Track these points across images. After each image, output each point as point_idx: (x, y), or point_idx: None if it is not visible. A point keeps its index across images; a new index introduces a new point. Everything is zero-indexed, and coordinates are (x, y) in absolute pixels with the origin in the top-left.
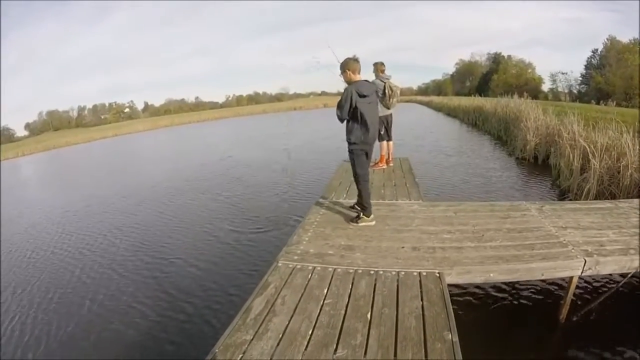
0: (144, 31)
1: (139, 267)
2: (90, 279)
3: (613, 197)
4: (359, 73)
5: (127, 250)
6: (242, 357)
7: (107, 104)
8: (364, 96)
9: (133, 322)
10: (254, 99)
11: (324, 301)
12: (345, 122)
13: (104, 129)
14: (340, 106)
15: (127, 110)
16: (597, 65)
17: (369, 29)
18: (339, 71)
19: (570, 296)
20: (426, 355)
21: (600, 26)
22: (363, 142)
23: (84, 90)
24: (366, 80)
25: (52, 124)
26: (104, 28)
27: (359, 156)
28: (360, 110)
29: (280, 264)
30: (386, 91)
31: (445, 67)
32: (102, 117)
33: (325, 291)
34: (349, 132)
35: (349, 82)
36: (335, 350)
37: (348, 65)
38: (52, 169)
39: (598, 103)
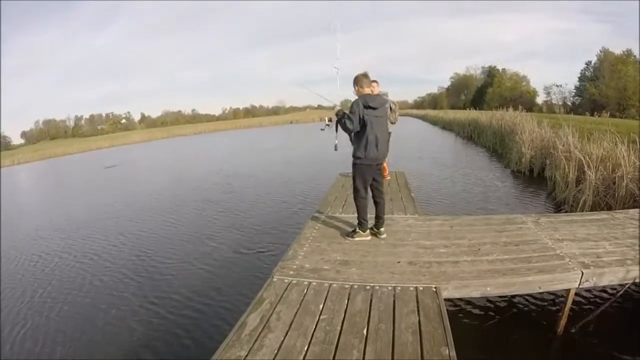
0: (142, 41)
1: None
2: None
3: (609, 208)
4: (368, 87)
5: (128, 260)
6: None
7: (104, 115)
8: (372, 108)
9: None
10: (251, 112)
11: (319, 317)
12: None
13: (100, 139)
14: (348, 117)
15: (123, 121)
16: (590, 77)
17: (363, 41)
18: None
19: (568, 308)
20: None
21: (593, 38)
22: (368, 158)
23: (81, 99)
24: (377, 95)
25: (49, 133)
26: (102, 37)
27: (361, 172)
28: (367, 123)
29: (275, 279)
30: (392, 106)
31: (440, 79)
32: (99, 127)
33: (321, 306)
34: (355, 146)
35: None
36: None
37: (357, 81)
38: (51, 177)
39: (592, 114)
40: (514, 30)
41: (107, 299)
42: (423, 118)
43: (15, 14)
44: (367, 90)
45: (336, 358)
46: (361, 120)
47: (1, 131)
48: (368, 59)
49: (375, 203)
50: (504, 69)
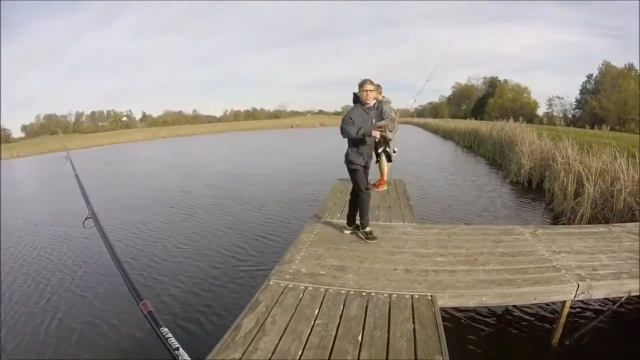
0: (144, 39)
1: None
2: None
3: (606, 221)
4: (365, 96)
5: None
6: None
7: (105, 112)
8: (367, 116)
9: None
10: (252, 114)
11: (314, 321)
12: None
13: (100, 136)
14: (346, 122)
15: (124, 119)
16: (591, 90)
17: (365, 47)
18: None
19: (563, 320)
20: None
21: (597, 50)
22: (364, 162)
23: (83, 95)
24: (378, 100)
25: (49, 128)
26: (106, 33)
27: (359, 174)
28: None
29: (271, 283)
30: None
31: (441, 88)
32: (100, 124)
33: (317, 311)
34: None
35: (363, 102)
36: None
37: (361, 86)
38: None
39: (592, 127)
40: (516, 41)
41: (106, 297)
42: (424, 127)
43: (21, 8)
44: (368, 97)
45: None
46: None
47: (1, 124)
48: (371, 65)
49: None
50: (505, 80)
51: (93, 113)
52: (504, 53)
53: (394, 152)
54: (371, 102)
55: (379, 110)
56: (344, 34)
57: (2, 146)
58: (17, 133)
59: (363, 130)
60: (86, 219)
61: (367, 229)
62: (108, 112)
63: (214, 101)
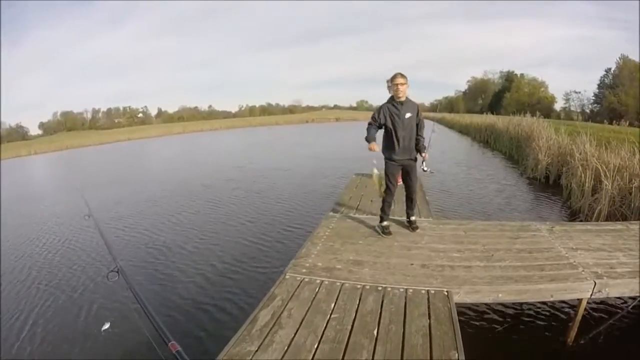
0: (159, 37)
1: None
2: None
3: (624, 218)
4: (395, 90)
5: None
6: None
7: (121, 108)
8: (397, 111)
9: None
10: (267, 110)
11: (330, 315)
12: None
13: (117, 132)
14: (370, 121)
15: (140, 115)
16: (610, 85)
17: (377, 44)
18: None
19: (579, 318)
20: None
21: (612, 44)
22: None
23: (98, 93)
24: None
25: (66, 125)
26: (120, 32)
27: (388, 168)
28: (389, 124)
29: (288, 277)
30: None
31: (457, 84)
32: (116, 120)
33: (333, 305)
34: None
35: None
36: None
37: (392, 80)
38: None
39: (611, 123)
40: (532, 36)
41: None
42: (439, 121)
43: (35, 8)
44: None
45: (346, 357)
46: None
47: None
48: (384, 62)
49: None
50: (522, 74)
51: (109, 110)
52: (517, 49)
53: (424, 170)
54: (403, 97)
55: (414, 106)
56: (350, 32)
57: (19, 143)
58: (34, 130)
59: (369, 137)
60: (110, 272)
61: (385, 223)
62: (124, 108)
63: (228, 98)
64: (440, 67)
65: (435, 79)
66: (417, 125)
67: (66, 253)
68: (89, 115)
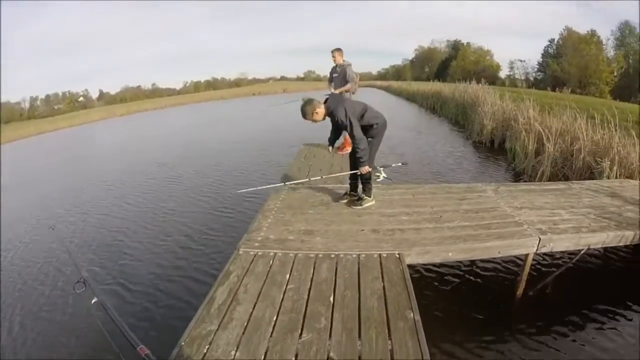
0: (95, 14)
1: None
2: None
3: (566, 178)
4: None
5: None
6: (208, 347)
7: (60, 93)
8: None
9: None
10: (212, 84)
11: (286, 287)
12: None
13: (58, 119)
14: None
15: (81, 99)
16: (553, 54)
17: (326, 11)
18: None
19: (526, 273)
20: (389, 335)
21: (563, 17)
22: None
23: (35, 79)
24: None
25: (3, 117)
26: (51, 11)
27: None
28: None
29: (241, 252)
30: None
31: (404, 52)
32: (56, 107)
33: (288, 277)
34: None
35: None
36: (301, 334)
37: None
38: None
39: (554, 90)
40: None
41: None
42: (387, 89)
43: None
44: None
45: (304, 326)
46: None
47: None
48: (330, 30)
49: None
50: (468, 43)
51: (47, 96)
52: (464, 17)
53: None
54: None
55: (343, 72)
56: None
57: None
58: None
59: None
60: (76, 283)
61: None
62: (63, 93)
63: (172, 75)
64: (388, 35)
65: (382, 48)
66: None
67: (30, 267)
68: (27, 105)
